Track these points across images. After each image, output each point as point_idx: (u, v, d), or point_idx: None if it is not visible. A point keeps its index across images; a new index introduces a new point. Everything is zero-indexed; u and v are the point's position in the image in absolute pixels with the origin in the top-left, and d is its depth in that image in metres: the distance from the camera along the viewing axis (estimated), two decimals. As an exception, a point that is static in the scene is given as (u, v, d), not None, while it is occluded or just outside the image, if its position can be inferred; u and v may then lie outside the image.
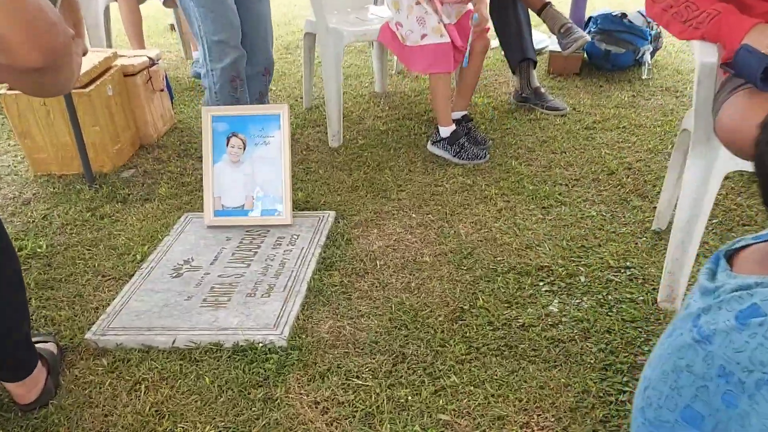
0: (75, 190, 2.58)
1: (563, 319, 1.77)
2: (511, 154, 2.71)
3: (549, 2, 2.86)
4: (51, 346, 1.67)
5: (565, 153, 2.70)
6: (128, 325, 1.77)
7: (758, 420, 0.80)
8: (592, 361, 1.61)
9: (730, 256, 0.95)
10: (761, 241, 0.96)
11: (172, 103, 3.21)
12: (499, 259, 2.03)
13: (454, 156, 2.66)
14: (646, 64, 3.45)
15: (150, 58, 2.98)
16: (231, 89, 2.46)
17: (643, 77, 3.44)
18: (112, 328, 1.76)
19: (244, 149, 2.24)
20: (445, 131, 2.68)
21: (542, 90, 3.12)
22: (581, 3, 3.63)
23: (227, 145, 2.25)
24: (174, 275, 1.98)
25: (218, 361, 1.66)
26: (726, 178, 1.67)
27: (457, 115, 2.76)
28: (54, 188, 2.62)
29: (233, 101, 2.46)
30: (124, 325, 1.77)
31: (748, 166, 1.55)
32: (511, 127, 2.97)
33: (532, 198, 2.37)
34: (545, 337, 1.70)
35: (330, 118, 2.85)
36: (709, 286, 0.91)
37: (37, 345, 1.62)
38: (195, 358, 1.67)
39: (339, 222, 2.27)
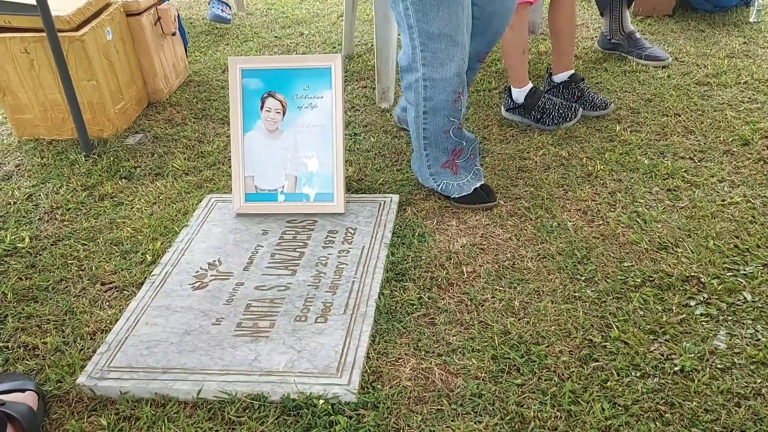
0: (68, 162, 2.08)
1: (737, 360, 1.27)
2: (611, 117, 2.16)
3: None
4: (29, 398, 1.20)
5: (680, 116, 2.14)
6: (136, 364, 1.28)
7: None
8: (800, 434, 1.12)
9: None
10: None
11: (186, 50, 2.66)
12: (626, 265, 1.52)
13: (538, 122, 2.12)
14: (755, 4, 2.84)
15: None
16: (453, 111, 1.67)
17: (751, 20, 2.84)
18: (115, 368, 1.28)
19: (284, 114, 1.72)
20: (519, 94, 2.13)
21: (637, 35, 2.54)
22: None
23: (262, 108, 1.72)
24: (196, 285, 1.49)
25: (262, 425, 1.18)
26: None
27: (563, 76, 2.21)
28: (42, 158, 2.11)
29: (452, 126, 1.70)
30: (131, 363, 1.29)
31: None
32: (602, 81, 2.41)
33: (651, 176, 1.84)
34: (718, 389, 1.20)
35: (380, 71, 2.31)
36: None
37: (8, 397, 1.15)
38: (230, 419, 1.19)
39: (405, 209, 1.76)
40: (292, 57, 1.83)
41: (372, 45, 2.73)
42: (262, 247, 1.61)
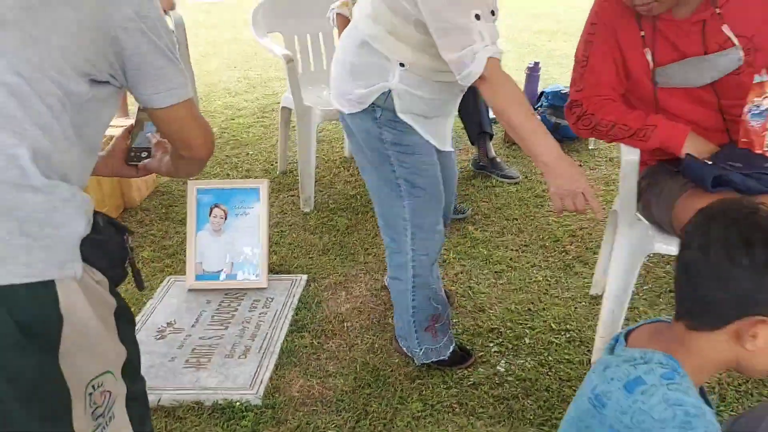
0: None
1: (508, 378, 2.00)
2: (468, 220, 2.97)
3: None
4: None
5: (517, 220, 2.97)
6: (117, 385, 1.94)
7: None
8: (531, 417, 1.84)
9: (629, 333, 1.20)
10: (651, 323, 1.21)
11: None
12: (455, 321, 2.26)
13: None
14: (594, 134, 3.77)
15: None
16: (435, 281, 1.99)
17: (590, 147, 3.76)
18: (102, 388, 1.93)
19: (226, 219, 2.46)
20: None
21: (498, 160, 3.40)
22: (534, 79, 3.96)
23: (210, 215, 2.46)
24: (158, 337, 2.17)
25: (199, 418, 1.84)
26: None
27: None
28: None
29: (435, 285, 1.99)
30: (113, 384, 1.95)
31: (668, 250, 1.82)
32: (469, 193, 3.24)
33: (486, 263, 2.62)
34: (492, 395, 1.93)
35: (303, 184, 3.09)
36: (606, 359, 1.16)
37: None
38: (179, 416, 1.86)
39: (310, 285, 2.49)
40: (234, 180, 2.61)
41: (301, 163, 3.54)
42: (206, 311, 2.31)
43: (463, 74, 1.53)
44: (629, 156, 1.85)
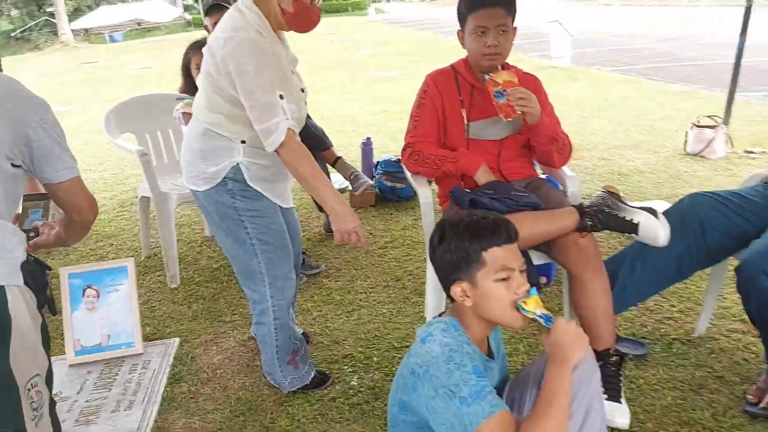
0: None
1: (360, 390, 2.40)
2: (322, 274, 3.40)
3: (340, 157, 3.70)
4: None
5: (364, 269, 3.44)
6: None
7: (420, 394, 1.51)
8: (379, 414, 2.24)
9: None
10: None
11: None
12: (315, 354, 2.64)
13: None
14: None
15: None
16: (291, 319, 2.36)
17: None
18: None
19: (99, 297, 2.72)
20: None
21: (344, 221, 3.90)
22: (368, 153, 4.57)
23: (83, 296, 2.71)
24: (44, 408, 2.36)
25: (93, 464, 2.07)
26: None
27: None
28: None
29: (292, 325, 2.37)
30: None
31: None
32: (322, 252, 3.69)
33: (339, 305, 3.05)
34: (348, 403, 2.32)
35: (168, 262, 3.39)
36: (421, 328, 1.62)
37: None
38: (72, 466, 2.07)
39: (183, 346, 2.78)
40: (101, 263, 2.89)
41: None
42: (89, 380, 2.53)
43: (269, 141, 1.99)
44: (425, 200, 2.43)
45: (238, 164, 2.13)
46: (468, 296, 1.55)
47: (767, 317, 2.06)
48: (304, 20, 2.10)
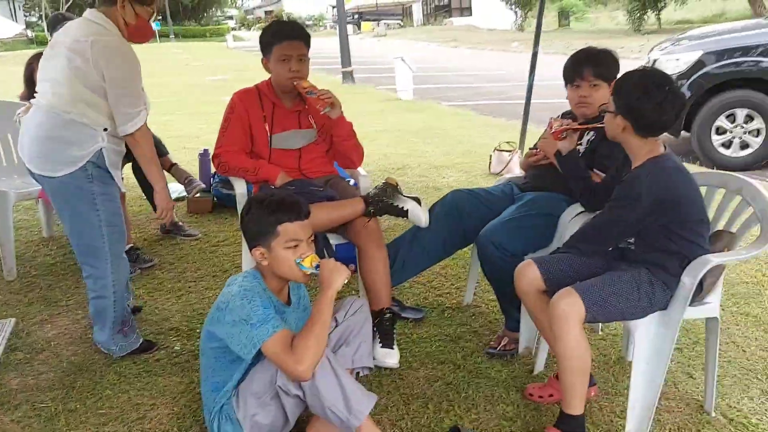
0: None
1: (183, 353, 2.80)
2: (156, 267, 3.75)
3: (175, 163, 4.10)
4: None
5: (196, 263, 3.84)
6: None
7: (222, 323, 1.99)
8: (198, 369, 2.66)
9: None
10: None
11: None
12: (144, 328, 3.00)
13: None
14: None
15: None
16: (128, 293, 2.78)
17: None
18: None
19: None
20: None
21: (180, 223, 4.28)
22: (206, 164, 4.95)
23: None
24: None
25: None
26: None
27: None
28: None
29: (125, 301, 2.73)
30: None
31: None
32: (157, 249, 4.04)
33: (170, 292, 3.43)
34: (170, 362, 2.72)
35: (5, 257, 3.59)
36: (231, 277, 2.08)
37: None
38: None
39: (19, 324, 3.03)
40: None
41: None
42: None
43: (131, 123, 2.47)
44: (240, 190, 2.92)
45: (101, 149, 2.50)
46: (265, 258, 2.03)
47: (497, 275, 2.74)
48: (142, 33, 2.58)
